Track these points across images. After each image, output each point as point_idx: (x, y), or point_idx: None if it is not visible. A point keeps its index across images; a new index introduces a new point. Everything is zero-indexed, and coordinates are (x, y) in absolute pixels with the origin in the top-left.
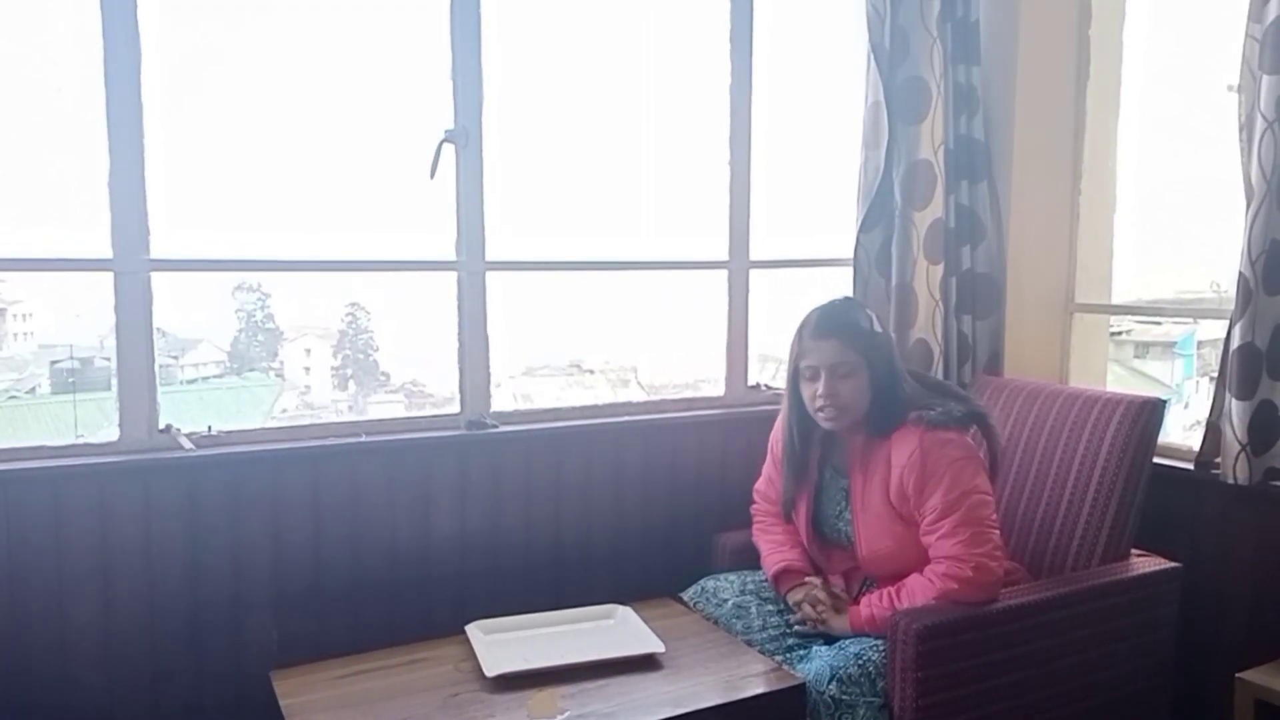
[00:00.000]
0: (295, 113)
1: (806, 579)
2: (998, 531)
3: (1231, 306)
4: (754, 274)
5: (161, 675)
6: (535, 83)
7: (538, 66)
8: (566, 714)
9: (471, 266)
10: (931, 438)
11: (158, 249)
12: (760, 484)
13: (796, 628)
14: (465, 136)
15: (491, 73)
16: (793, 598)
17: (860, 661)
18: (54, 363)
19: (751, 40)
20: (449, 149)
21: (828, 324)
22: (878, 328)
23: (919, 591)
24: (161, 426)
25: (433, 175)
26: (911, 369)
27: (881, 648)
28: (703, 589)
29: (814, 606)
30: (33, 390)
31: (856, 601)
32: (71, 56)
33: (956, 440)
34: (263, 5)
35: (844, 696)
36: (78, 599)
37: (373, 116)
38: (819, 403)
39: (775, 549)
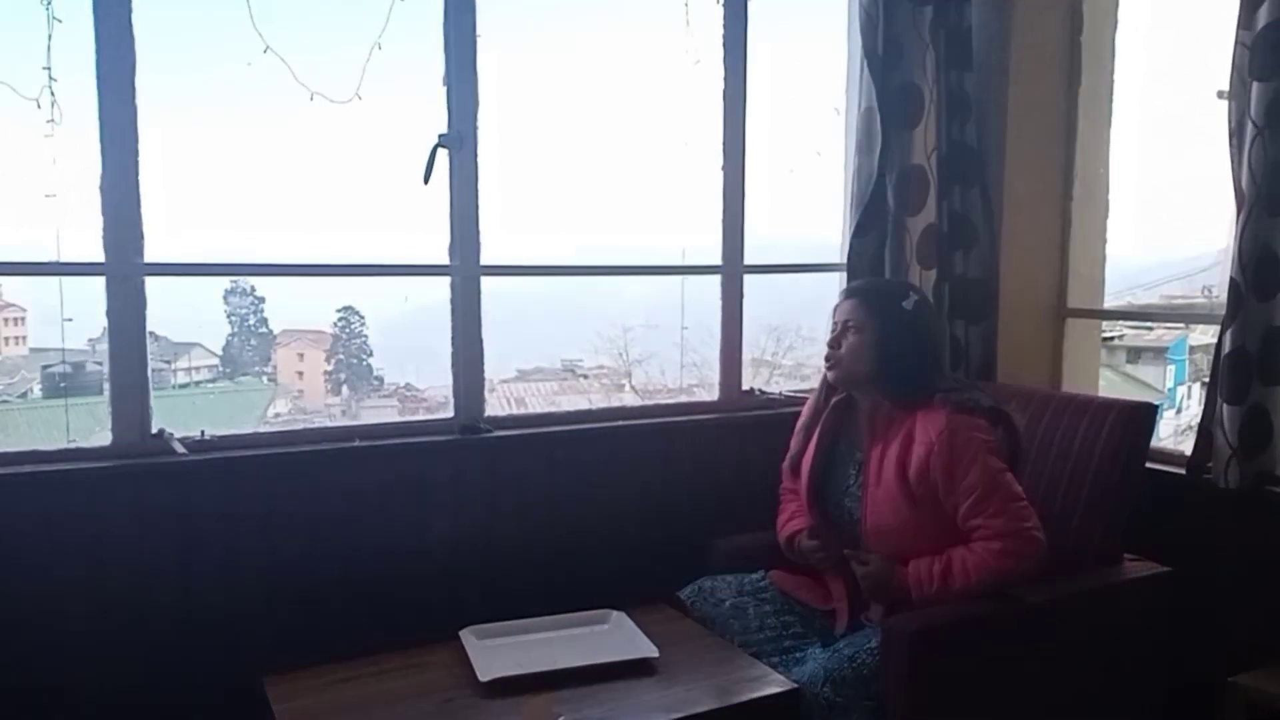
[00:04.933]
0: (290, 119)
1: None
2: (1030, 506)
3: (1223, 312)
4: (748, 279)
5: (154, 681)
6: (529, 88)
7: (532, 72)
8: (561, 719)
9: (466, 271)
10: (959, 419)
11: (151, 253)
12: (786, 461)
13: (792, 633)
14: (459, 141)
15: (486, 78)
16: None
17: (854, 664)
18: (45, 367)
19: (745, 46)
20: (443, 154)
21: (854, 286)
22: (910, 307)
23: (973, 567)
24: (154, 431)
25: (427, 180)
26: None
27: (876, 651)
28: (700, 589)
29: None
30: (24, 395)
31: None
32: (66, 59)
33: (983, 425)
34: (259, 9)
35: (838, 699)
36: (70, 604)
37: (367, 121)
38: (826, 353)
39: (787, 520)
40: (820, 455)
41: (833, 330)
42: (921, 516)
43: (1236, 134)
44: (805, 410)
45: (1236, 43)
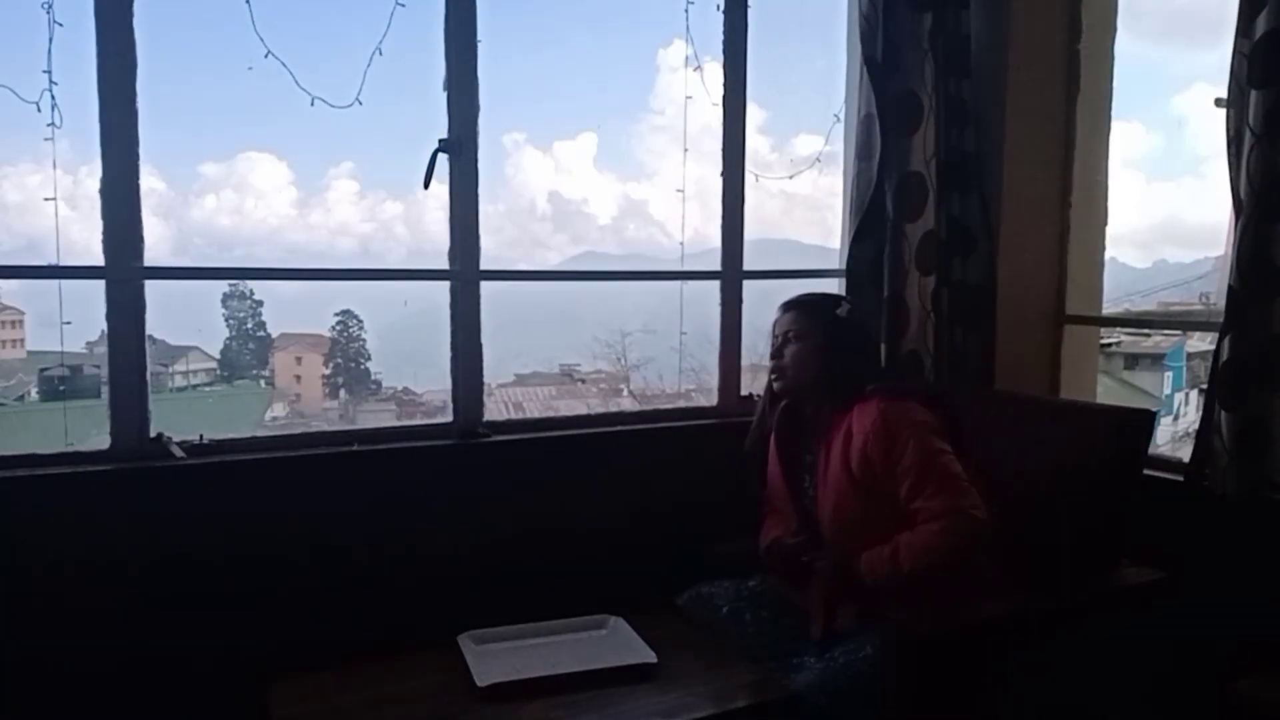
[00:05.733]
0: (291, 123)
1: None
2: (969, 483)
3: (1221, 319)
4: (746, 284)
5: (152, 686)
6: (530, 93)
7: (532, 77)
8: None
9: (465, 276)
10: (891, 405)
11: (150, 256)
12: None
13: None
14: (459, 146)
15: (486, 83)
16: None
17: (850, 674)
18: (43, 370)
19: (745, 52)
20: (443, 158)
21: (792, 300)
22: (844, 314)
23: (918, 550)
24: (153, 435)
25: (427, 185)
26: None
27: (870, 659)
28: (698, 594)
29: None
30: (21, 398)
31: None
32: (67, 63)
33: (916, 407)
34: (261, 14)
35: (835, 708)
36: (67, 609)
37: (368, 125)
38: (770, 365)
39: (765, 534)
40: (784, 463)
41: (773, 343)
42: (873, 506)
43: (1235, 141)
44: (753, 428)
45: (1235, 50)
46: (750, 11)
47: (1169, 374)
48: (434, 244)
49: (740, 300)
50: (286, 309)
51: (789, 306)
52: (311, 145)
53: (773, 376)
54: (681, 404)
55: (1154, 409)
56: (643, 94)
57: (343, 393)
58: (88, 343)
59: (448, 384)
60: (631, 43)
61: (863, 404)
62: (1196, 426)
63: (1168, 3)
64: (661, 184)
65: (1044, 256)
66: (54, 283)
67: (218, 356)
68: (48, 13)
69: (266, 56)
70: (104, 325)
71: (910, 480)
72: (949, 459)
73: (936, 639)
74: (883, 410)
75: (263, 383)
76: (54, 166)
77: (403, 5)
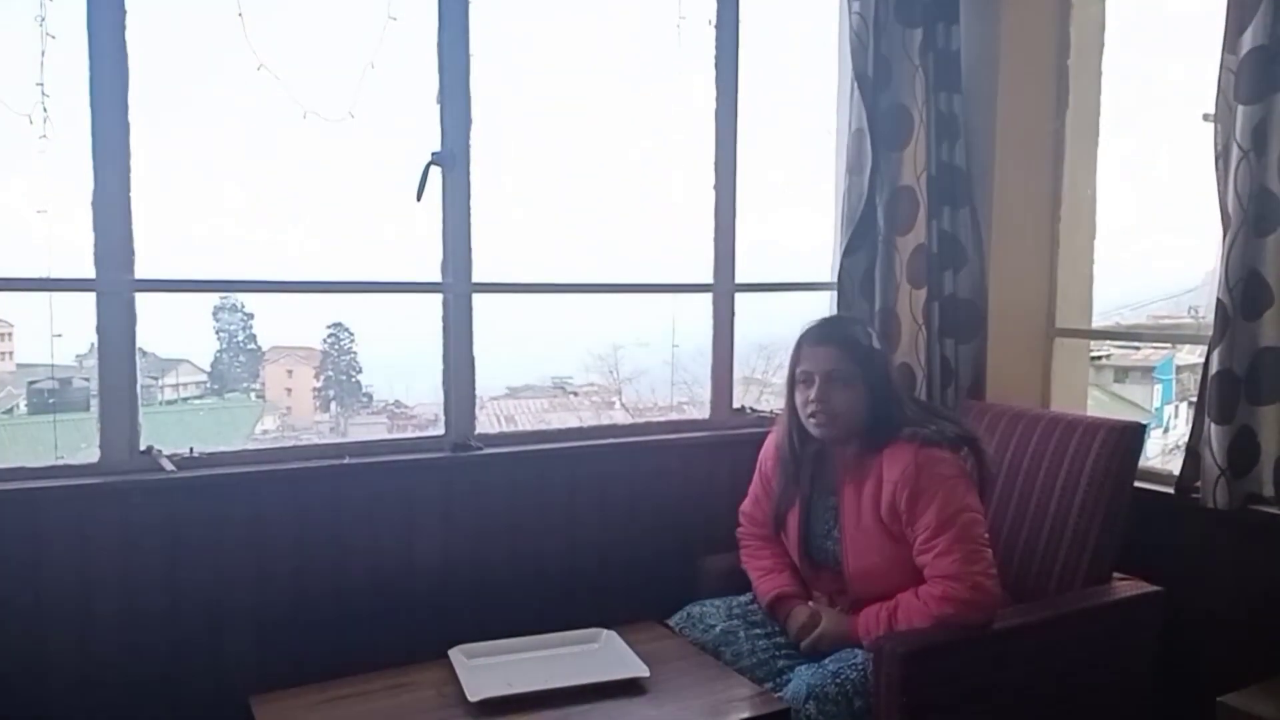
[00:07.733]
0: (283, 136)
1: (807, 603)
2: (990, 550)
3: (1210, 332)
4: (738, 297)
5: (140, 700)
6: (523, 105)
7: (525, 89)
8: None
9: (458, 288)
10: (925, 455)
11: (141, 269)
12: (746, 504)
13: (799, 646)
14: (452, 159)
15: (479, 95)
16: (796, 619)
17: (838, 680)
18: (32, 383)
19: (736, 66)
20: (436, 171)
21: (827, 332)
22: (876, 344)
23: (915, 614)
24: (142, 448)
25: (419, 198)
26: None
27: (860, 667)
28: (689, 615)
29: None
30: (10, 411)
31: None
32: (60, 75)
33: (949, 459)
34: (253, 27)
35: (821, 715)
36: (56, 622)
37: (360, 139)
38: (810, 408)
39: (765, 575)
40: (803, 506)
41: (808, 380)
42: (899, 553)
43: (1222, 156)
44: (769, 456)
45: (1222, 67)
46: (741, 26)
47: (1159, 387)
48: (428, 257)
49: (732, 313)
50: (278, 322)
51: (828, 341)
52: (304, 158)
53: (814, 420)
54: (674, 417)
55: (1144, 422)
56: (635, 105)
57: (334, 405)
58: (77, 355)
59: (440, 397)
60: (624, 54)
61: (893, 448)
62: (1186, 439)
63: (1156, 18)
64: (654, 196)
65: (1034, 270)
66: (44, 295)
67: (208, 369)
68: (40, 25)
69: (259, 69)
70: (94, 338)
71: (925, 535)
72: (971, 518)
73: (925, 650)
74: (915, 460)
75: (253, 396)
76: (45, 178)
77: (395, 19)
